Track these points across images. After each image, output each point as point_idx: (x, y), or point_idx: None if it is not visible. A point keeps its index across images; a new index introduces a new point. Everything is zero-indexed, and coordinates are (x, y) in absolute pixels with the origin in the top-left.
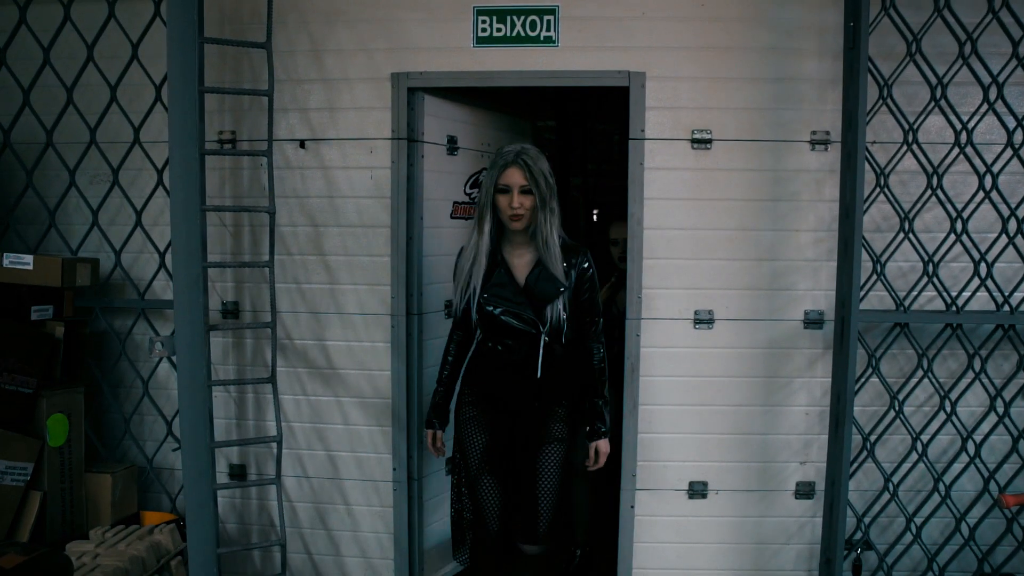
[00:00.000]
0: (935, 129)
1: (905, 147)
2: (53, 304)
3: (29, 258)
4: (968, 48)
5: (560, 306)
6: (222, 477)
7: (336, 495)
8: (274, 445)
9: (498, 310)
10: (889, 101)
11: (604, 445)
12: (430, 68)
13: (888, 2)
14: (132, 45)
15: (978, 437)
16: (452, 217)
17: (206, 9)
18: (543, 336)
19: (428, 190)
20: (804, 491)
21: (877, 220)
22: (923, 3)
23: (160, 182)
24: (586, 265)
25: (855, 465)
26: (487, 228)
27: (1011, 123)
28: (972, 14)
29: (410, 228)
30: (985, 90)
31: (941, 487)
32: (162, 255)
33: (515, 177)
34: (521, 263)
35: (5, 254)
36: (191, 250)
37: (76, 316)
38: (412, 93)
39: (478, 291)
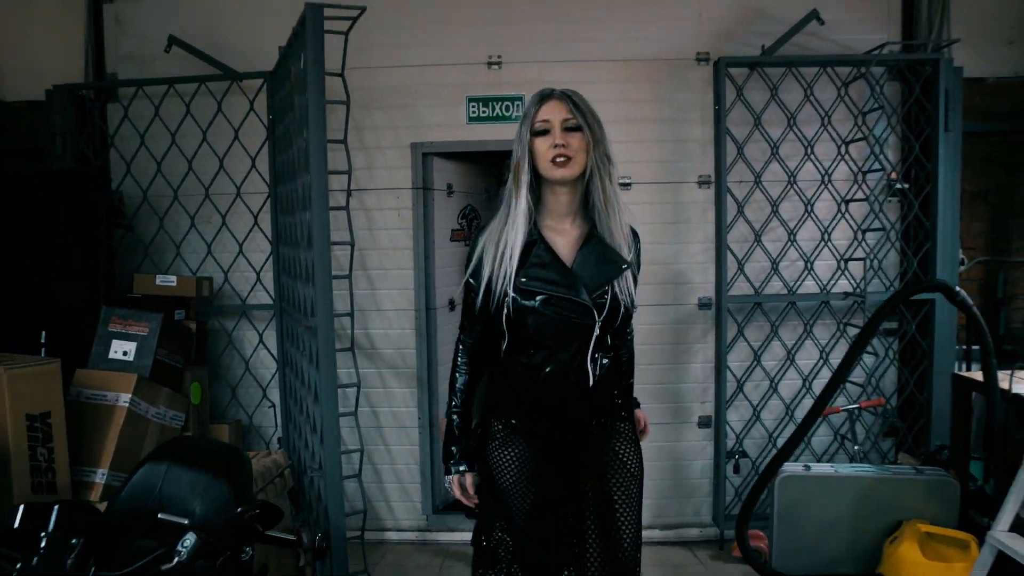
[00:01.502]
0: (772, 173)
1: (754, 185)
2: (185, 309)
3: (173, 278)
4: (791, 120)
5: (623, 288)
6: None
7: (378, 438)
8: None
9: (539, 299)
10: (742, 156)
11: (642, 415)
12: (437, 139)
13: (739, 92)
14: (234, 130)
15: (811, 378)
16: (451, 240)
17: None
18: (596, 327)
19: (439, 219)
20: (704, 422)
21: (744, 233)
22: (765, 89)
23: (256, 223)
24: (640, 245)
25: (732, 400)
26: (525, 185)
27: (823, 168)
28: (798, 93)
29: (427, 249)
30: (806, 145)
31: (789, 413)
32: (258, 273)
33: (556, 111)
34: (564, 241)
35: (157, 275)
36: (324, 270)
37: (199, 317)
38: (425, 156)
39: (512, 276)
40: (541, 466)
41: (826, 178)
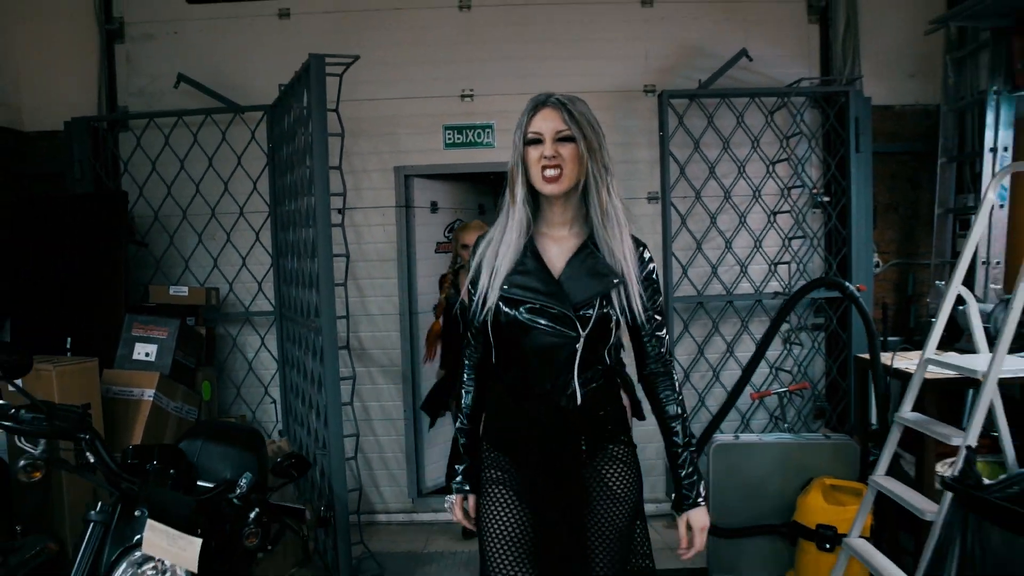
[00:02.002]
0: (711, 189)
1: (695, 200)
2: (195, 316)
3: (185, 288)
4: (725, 144)
5: (622, 304)
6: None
7: (368, 429)
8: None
9: (523, 309)
10: (684, 175)
11: (701, 517)
12: (418, 163)
13: (680, 119)
14: (237, 156)
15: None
16: (435, 252)
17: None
18: (580, 343)
19: (418, 236)
20: None
21: (688, 242)
22: (703, 117)
23: (257, 239)
24: (649, 257)
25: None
26: (520, 196)
27: (754, 185)
28: (731, 120)
29: (409, 259)
30: (738, 165)
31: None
32: (259, 283)
33: (549, 120)
34: (558, 250)
35: (171, 286)
36: (328, 279)
37: (207, 323)
38: (407, 178)
39: (496, 284)
40: (522, 491)
41: (757, 193)
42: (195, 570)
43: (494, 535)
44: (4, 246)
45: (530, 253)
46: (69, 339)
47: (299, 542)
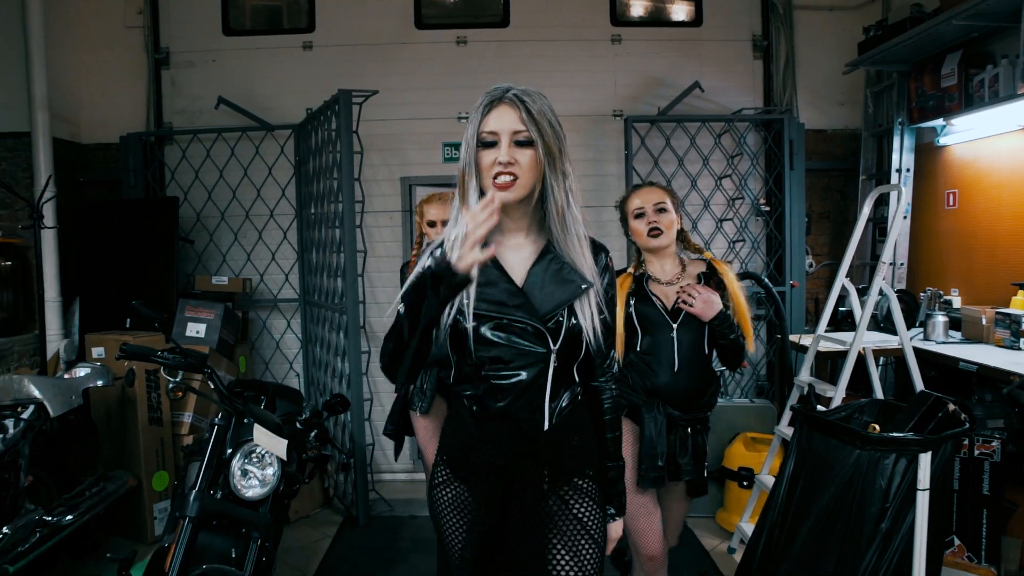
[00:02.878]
0: None
1: None
2: (232, 302)
3: (225, 278)
4: (680, 161)
5: (584, 314)
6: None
7: (376, 401)
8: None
9: (486, 325)
10: None
11: (616, 528)
12: (420, 174)
13: (643, 140)
14: (268, 168)
15: None
16: None
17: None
18: (552, 359)
19: None
20: None
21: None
22: (660, 136)
23: (284, 237)
24: (606, 262)
25: None
26: (472, 201)
27: (704, 196)
28: (685, 141)
29: (407, 252)
30: (691, 179)
31: None
32: (286, 275)
33: (505, 119)
34: (517, 258)
35: (213, 277)
36: (353, 270)
37: (241, 308)
38: (411, 187)
39: (455, 302)
40: (477, 508)
41: (706, 204)
42: (284, 457)
43: (452, 543)
44: (74, 242)
45: (491, 263)
46: (128, 319)
47: (320, 489)
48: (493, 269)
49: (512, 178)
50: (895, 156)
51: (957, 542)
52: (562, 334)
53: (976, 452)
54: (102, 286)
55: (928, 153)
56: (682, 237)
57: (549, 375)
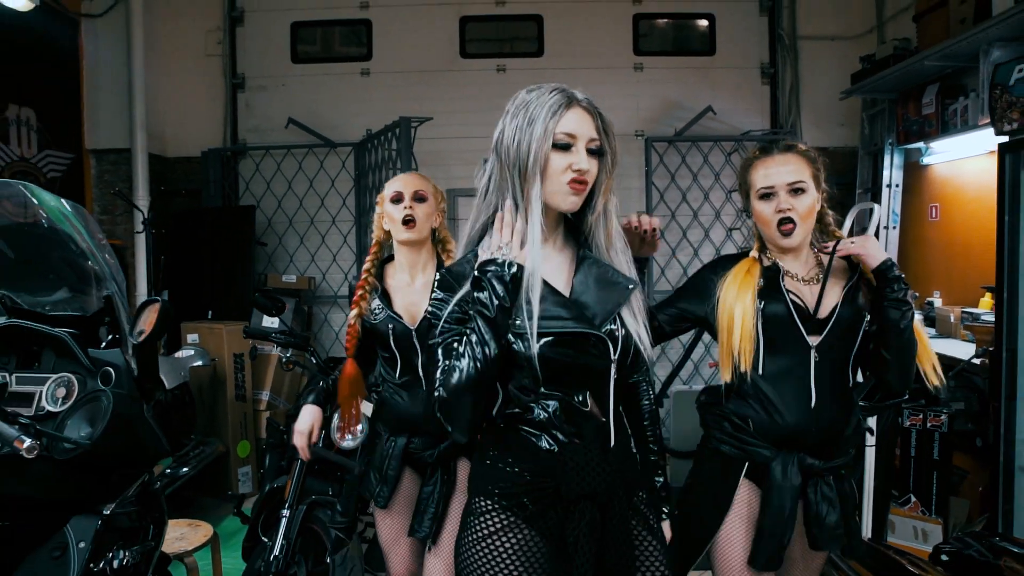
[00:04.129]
0: (682, 211)
1: (671, 219)
2: (298, 298)
3: (294, 276)
4: (694, 177)
5: (634, 317)
6: None
7: None
8: None
9: (545, 342)
10: (663, 199)
11: (668, 531)
12: (463, 186)
13: (661, 158)
14: (331, 180)
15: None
16: None
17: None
18: (612, 369)
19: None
20: None
21: (665, 250)
22: (677, 154)
23: (344, 242)
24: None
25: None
26: (536, 204)
27: (715, 208)
28: (699, 158)
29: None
30: (704, 193)
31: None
32: (346, 275)
33: (585, 125)
34: (551, 266)
35: (283, 275)
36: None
37: (306, 303)
38: (455, 199)
39: (532, 319)
40: (583, 555)
41: (718, 214)
42: (369, 415)
43: None
44: (164, 244)
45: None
46: (210, 311)
47: None
48: (542, 283)
49: (584, 186)
50: (886, 173)
51: (913, 499)
52: (620, 342)
53: (928, 425)
54: (189, 283)
55: (914, 171)
56: (823, 223)
57: (611, 388)
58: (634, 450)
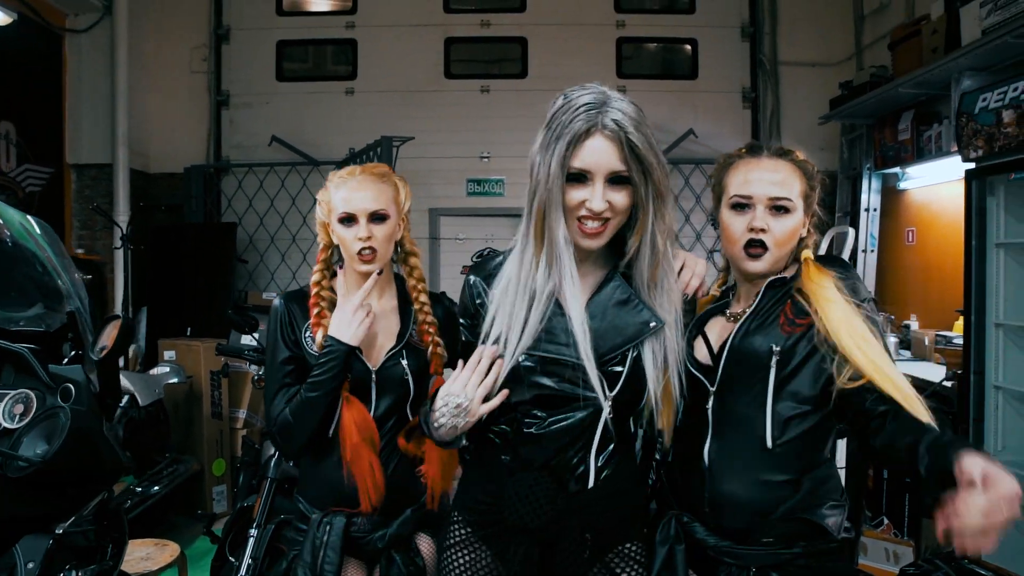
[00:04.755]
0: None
1: None
2: None
3: (274, 294)
4: (676, 199)
5: (654, 358)
6: None
7: None
8: None
9: (532, 362)
10: None
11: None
12: (447, 205)
13: None
14: (314, 198)
15: None
16: (460, 273)
17: None
18: (607, 408)
19: (448, 260)
20: None
21: None
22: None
23: None
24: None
25: None
26: (560, 239)
27: (696, 230)
28: (680, 180)
29: (433, 274)
30: (685, 215)
31: None
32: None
33: (604, 156)
34: (575, 286)
35: (263, 292)
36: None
37: None
38: (437, 216)
39: (517, 347)
40: (504, 567)
41: (698, 236)
42: None
43: None
44: (143, 260)
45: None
46: (189, 328)
47: None
48: (553, 305)
49: (602, 224)
50: (864, 197)
51: (886, 521)
52: (621, 381)
53: None
54: (168, 299)
55: (891, 195)
56: (800, 249)
57: (600, 426)
58: (626, 500)
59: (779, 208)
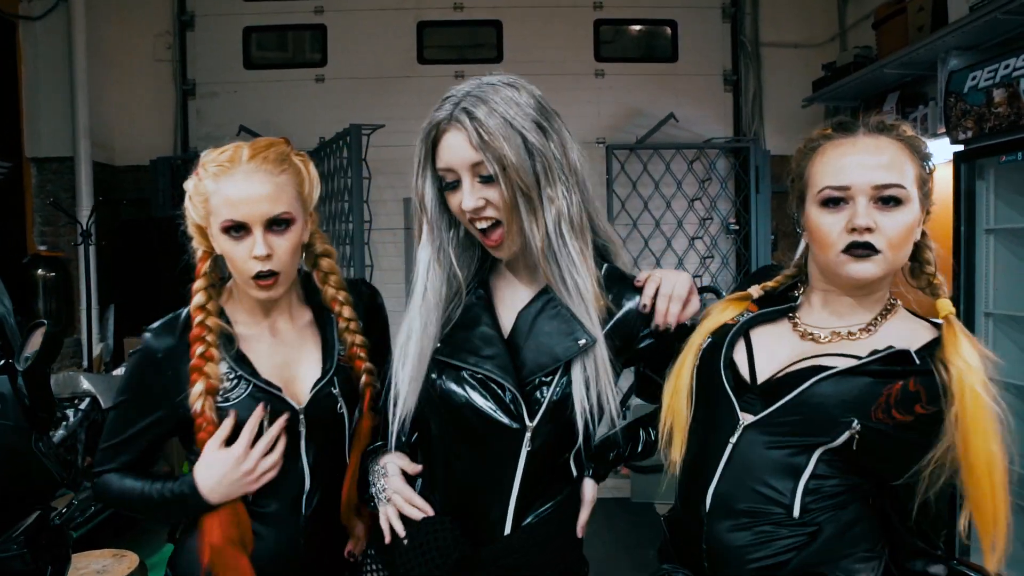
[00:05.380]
0: (644, 220)
1: (633, 228)
2: None
3: None
4: (656, 185)
5: (582, 381)
6: None
7: None
8: None
9: (445, 376)
10: (624, 208)
11: (590, 490)
12: None
13: (622, 166)
14: None
15: None
16: None
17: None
18: (526, 440)
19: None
20: None
21: (627, 260)
22: (638, 162)
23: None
24: (631, 304)
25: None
26: (443, 249)
27: (677, 216)
28: (660, 166)
29: (409, 267)
30: (666, 202)
31: None
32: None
33: (458, 150)
34: (516, 297)
35: None
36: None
37: None
38: (411, 206)
39: (426, 352)
40: None
41: (680, 223)
42: None
43: None
44: (108, 255)
45: (475, 299)
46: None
47: None
48: (482, 309)
49: (493, 224)
50: None
51: None
52: (543, 407)
53: None
54: (136, 295)
55: None
56: (919, 260)
57: (521, 463)
58: (553, 552)
59: (888, 200)
